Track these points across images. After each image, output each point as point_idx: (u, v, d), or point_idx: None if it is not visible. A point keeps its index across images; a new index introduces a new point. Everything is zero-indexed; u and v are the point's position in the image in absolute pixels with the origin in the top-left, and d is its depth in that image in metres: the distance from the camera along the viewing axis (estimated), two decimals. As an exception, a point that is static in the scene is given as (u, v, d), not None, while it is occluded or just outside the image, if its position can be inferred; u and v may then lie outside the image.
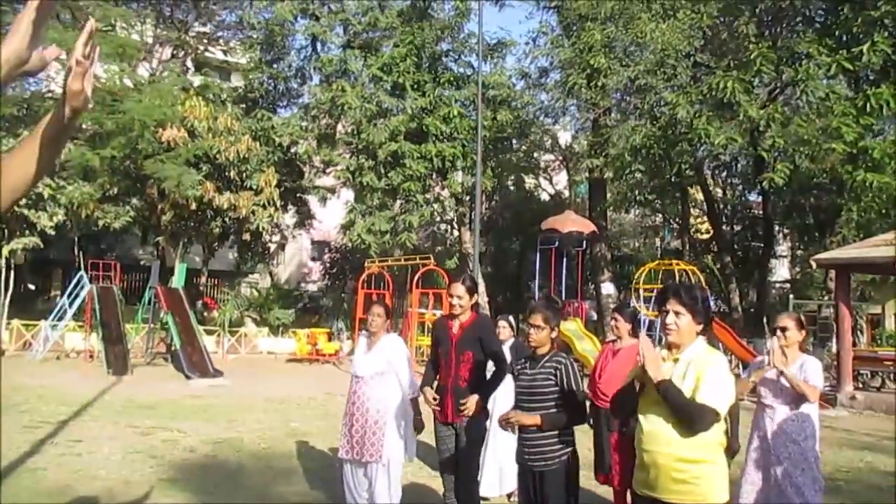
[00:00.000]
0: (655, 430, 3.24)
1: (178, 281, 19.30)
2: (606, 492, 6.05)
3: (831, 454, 8.79)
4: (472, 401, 4.87)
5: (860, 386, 15.39)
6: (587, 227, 20.29)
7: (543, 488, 3.77)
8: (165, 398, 12.17)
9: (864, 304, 24.90)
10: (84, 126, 20.77)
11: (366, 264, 21.42)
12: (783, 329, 4.75)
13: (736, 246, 28.72)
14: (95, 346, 17.57)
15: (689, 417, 3.13)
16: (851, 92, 17.82)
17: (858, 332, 22.33)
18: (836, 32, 17.34)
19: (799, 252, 29.37)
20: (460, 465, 5.01)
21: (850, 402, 13.93)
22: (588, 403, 5.98)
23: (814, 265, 16.38)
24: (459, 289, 5.09)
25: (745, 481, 4.82)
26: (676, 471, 3.17)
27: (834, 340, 16.93)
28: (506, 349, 6.09)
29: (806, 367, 4.70)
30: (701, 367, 3.19)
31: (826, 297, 21.41)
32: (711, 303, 5.64)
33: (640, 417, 3.36)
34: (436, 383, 5.28)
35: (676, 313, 3.27)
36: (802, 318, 5.24)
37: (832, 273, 17.95)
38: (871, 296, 26.38)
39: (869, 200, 17.31)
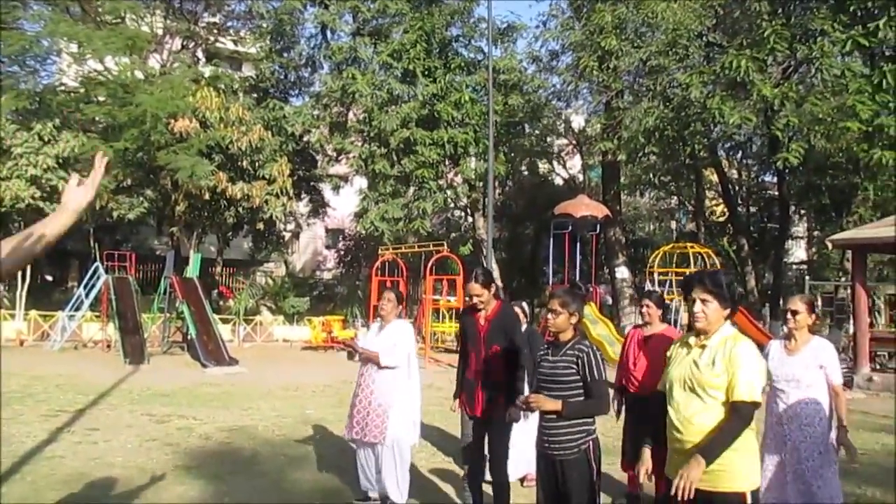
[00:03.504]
0: (686, 417, 3.26)
1: (193, 270, 19.39)
2: (624, 478, 6.07)
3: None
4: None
5: (877, 367, 15.23)
6: (601, 211, 20.18)
7: (566, 477, 3.75)
8: (181, 386, 12.27)
9: (882, 284, 24.61)
10: (97, 119, 20.88)
11: (379, 251, 21.44)
12: (794, 312, 4.68)
13: (752, 227, 28.52)
14: (112, 336, 17.74)
15: (740, 428, 3.17)
16: (867, 69, 17.52)
17: (876, 313, 22.05)
18: (851, 8, 16.99)
19: (816, 233, 29.10)
20: (492, 449, 5.04)
21: (867, 384, 13.79)
22: (618, 389, 5.95)
23: (830, 246, 16.20)
24: (476, 288, 5.04)
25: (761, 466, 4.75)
26: None
27: (851, 321, 16.75)
28: (518, 335, 6.08)
29: (820, 354, 4.62)
30: (729, 358, 3.20)
31: (843, 278, 21.21)
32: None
33: (669, 407, 3.37)
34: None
35: (703, 301, 3.28)
36: (814, 300, 5.15)
37: (849, 253, 17.75)
38: (889, 276, 26.10)
39: (886, 179, 17.10)
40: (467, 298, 5.14)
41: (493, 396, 4.96)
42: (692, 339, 3.38)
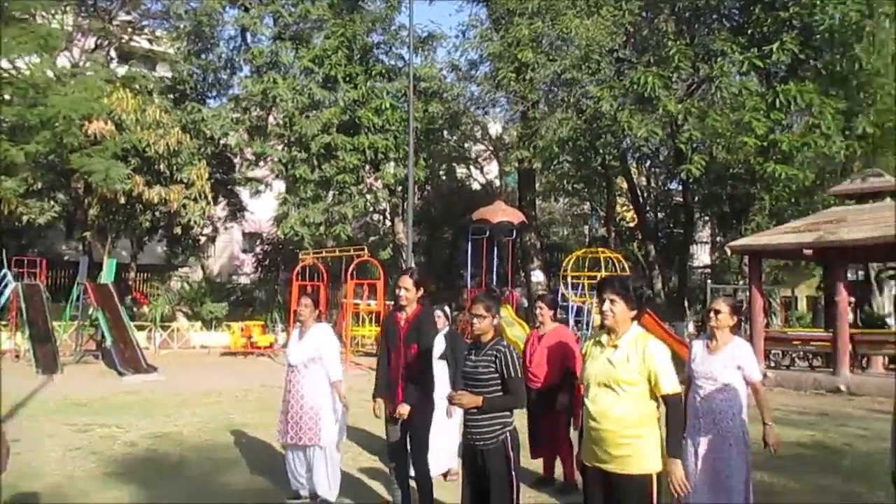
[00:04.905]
0: (601, 409, 3.73)
1: (107, 276, 18.99)
2: (538, 466, 6.61)
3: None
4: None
5: (772, 365, 16.24)
6: (517, 217, 20.80)
7: (487, 465, 4.15)
8: (99, 395, 12.12)
9: (777, 287, 26.16)
10: (5, 119, 20.15)
11: (300, 256, 21.47)
12: (716, 311, 5.04)
13: (659, 233, 29.79)
14: (21, 346, 17.21)
15: (678, 416, 3.80)
16: (762, 88, 18.81)
17: (772, 315, 23.46)
18: (749, 31, 18.27)
19: (718, 239, 30.67)
20: (413, 447, 5.36)
21: (763, 381, 14.76)
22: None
23: (729, 252, 17.29)
24: (407, 281, 5.42)
25: None
26: (618, 445, 3.66)
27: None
28: (440, 337, 6.49)
29: (737, 354, 4.97)
30: (643, 356, 3.69)
31: (742, 282, 22.52)
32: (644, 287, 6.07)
33: (586, 401, 3.84)
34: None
35: (611, 301, 3.77)
36: (737, 303, 5.54)
37: (747, 258, 18.91)
38: (784, 279, 27.76)
39: (780, 190, 18.42)
40: (396, 290, 5.51)
41: (411, 394, 5.28)
42: (604, 339, 3.84)
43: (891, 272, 18.46)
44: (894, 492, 3.74)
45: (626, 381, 3.69)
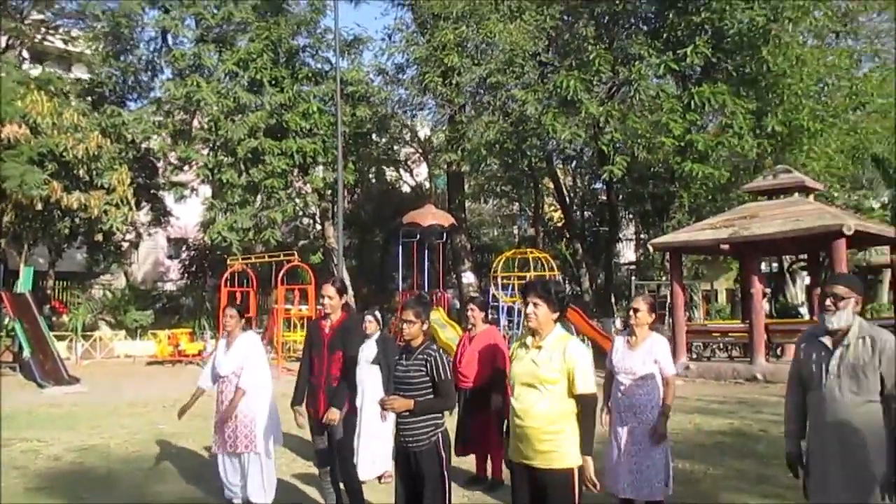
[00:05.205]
0: (525, 407, 3.92)
1: (24, 285, 18.27)
2: (470, 466, 6.75)
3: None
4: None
5: (694, 357, 16.82)
6: (447, 220, 20.99)
7: (420, 466, 4.26)
8: (18, 409, 11.68)
9: (698, 281, 27.04)
10: None
11: (228, 261, 21.11)
12: (636, 310, 5.29)
13: (586, 232, 30.47)
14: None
15: (593, 415, 3.93)
16: (678, 90, 19.53)
17: (694, 308, 24.26)
18: (664, 35, 18.94)
19: (642, 236, 31.59)
20: (338, 451, 5.44)
21: (685, 372, 15.28)
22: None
23: (651, 248, 17.87)
24: (329, 289, 5.50)
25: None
26: (542, 441, 3.85)
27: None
28: (372, 342, 6.57)
29: (655, 349, 5.21)
30: (564, 356, 3.88)
31: (665, 277, 23.25)
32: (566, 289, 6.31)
33: (512, 399, 4.03)
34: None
35: (535, 304, 3.96)
36: (654, 301, 5.77)
37: (668, 254, 19.54)
38: (704, 274, 28.71)
39: (697, 188, 19.12)
40: (320, 298, 5.56)
41: (337, 400, 5.35)
42: (529, 340, 4.03)
43: (802, 264, 19.35)
44: (792, 473, 4.04)
45: (549, 380, 3.88)
